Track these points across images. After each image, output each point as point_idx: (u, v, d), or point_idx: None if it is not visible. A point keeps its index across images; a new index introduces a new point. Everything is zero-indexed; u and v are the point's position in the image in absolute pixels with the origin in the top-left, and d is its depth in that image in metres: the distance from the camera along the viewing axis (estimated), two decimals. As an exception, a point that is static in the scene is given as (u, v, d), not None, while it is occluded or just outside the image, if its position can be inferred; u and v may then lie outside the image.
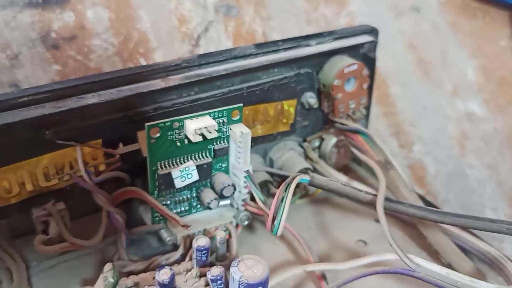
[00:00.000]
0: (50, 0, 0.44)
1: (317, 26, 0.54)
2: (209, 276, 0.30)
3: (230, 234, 0.37)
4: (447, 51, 0.59)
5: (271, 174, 0.41)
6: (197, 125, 0.33)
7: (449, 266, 0.35)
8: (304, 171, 0.41)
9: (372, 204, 0.35)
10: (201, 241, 0.32)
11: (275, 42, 0.40)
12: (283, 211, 0.34)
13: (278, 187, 0.36)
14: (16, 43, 0.44)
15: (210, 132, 0.34)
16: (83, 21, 0.46)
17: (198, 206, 0.37)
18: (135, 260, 0.36)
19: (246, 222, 0.37)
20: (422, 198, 0.40)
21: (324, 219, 0.41)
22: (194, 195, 0.37)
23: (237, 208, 0.37)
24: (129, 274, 0.33)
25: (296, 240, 0.37)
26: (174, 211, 0.37)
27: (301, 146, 0.44)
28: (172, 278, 0.30)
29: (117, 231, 0.35)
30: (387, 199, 0.35)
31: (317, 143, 0.44)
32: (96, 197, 0.34)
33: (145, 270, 0.34)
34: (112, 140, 0.35)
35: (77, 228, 0.35)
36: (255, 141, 0.41)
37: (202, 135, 0.34)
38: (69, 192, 0.35)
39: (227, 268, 0.30)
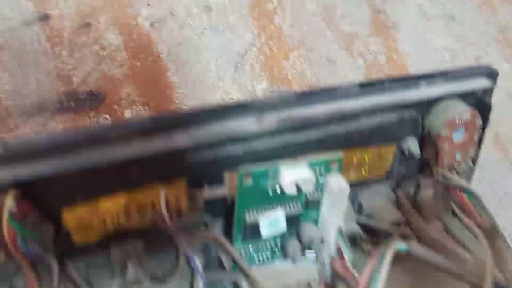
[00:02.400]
0: (83, 101, 0.41)
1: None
2: None
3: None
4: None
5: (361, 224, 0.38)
6: (294, 177, 0.31)
7: None
8: (397, 227, 0.37)
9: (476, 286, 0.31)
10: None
11: (381, 82, 0.36)
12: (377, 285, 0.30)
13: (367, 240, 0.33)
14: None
15: (307, 186, 0.31)
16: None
17: (280, 256, 0.34)
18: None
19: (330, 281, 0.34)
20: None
21: (417, 283, 0.37)
22: (279, 244, 0.34)
23: (323, 264, 0.34)
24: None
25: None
26: (256, 258, 0.34)
27: (394, 192, 0.40)
28: None
29: (194, 273, 0.33)
30: (496, 285, 0.31)
31: (411, 190, 0.40)
32: (176, 240, 0.31)
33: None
34: (197, 179, 0.32)
35: (153, 267, 0.33)
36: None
37: (298, 186, 0.31)
38: (148, 232, 0.33)
39: None
